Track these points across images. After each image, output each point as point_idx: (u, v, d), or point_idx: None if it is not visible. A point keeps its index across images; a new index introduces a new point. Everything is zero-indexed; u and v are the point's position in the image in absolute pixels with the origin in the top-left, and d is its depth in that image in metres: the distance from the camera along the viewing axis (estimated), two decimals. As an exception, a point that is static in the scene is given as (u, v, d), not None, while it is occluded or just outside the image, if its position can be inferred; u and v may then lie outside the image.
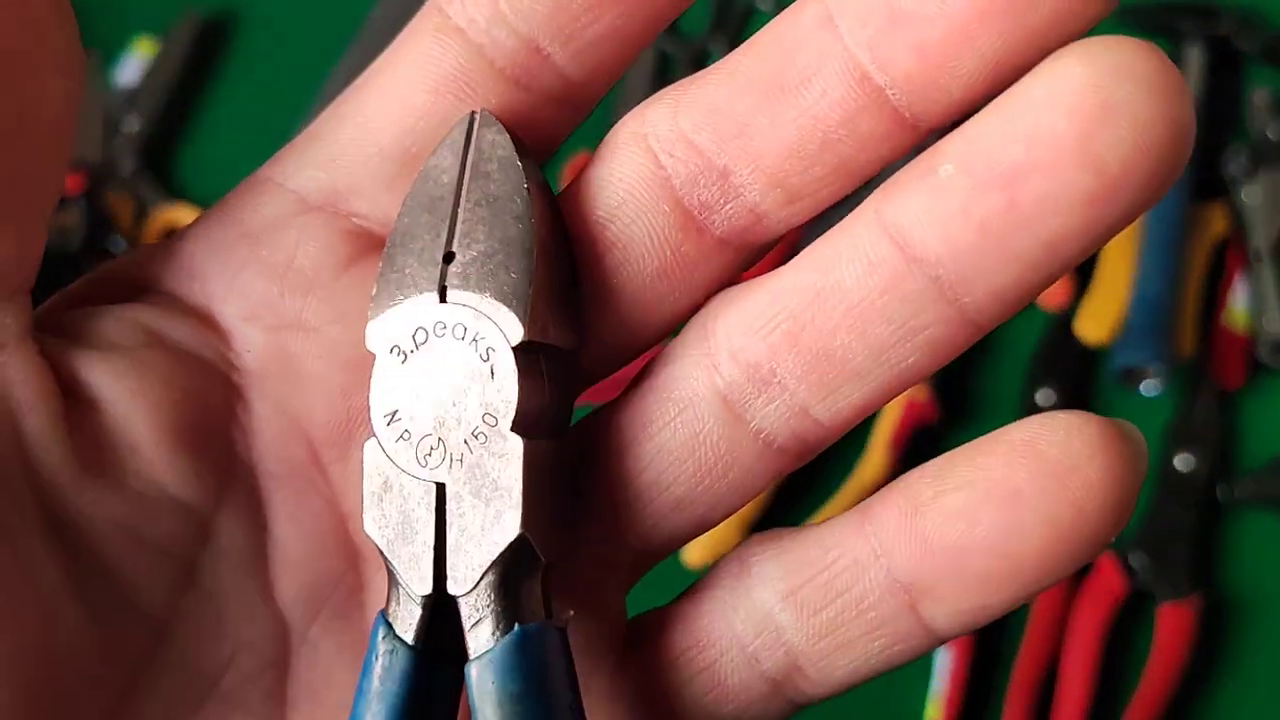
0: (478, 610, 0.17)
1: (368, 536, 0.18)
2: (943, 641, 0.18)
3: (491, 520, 0.17)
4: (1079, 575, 0.56)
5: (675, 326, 0.20)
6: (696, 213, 0.18)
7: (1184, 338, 0.60)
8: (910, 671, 0.57)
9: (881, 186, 0.17)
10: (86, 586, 0.18)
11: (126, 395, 0.19)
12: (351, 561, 0.20)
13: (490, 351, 0.17)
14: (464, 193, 0.18)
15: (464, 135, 0.18)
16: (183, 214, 0.67)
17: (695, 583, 0.20)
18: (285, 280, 0.19)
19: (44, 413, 0.18)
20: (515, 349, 0.17)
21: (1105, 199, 0.16)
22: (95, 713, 0.18)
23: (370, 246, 0.20)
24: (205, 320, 0.20)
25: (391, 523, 0.18)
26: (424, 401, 0.18)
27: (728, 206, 0.18)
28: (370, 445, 0.18)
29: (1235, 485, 0.57)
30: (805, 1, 0.17)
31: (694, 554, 0.52)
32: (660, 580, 0.22)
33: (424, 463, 0.18)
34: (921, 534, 0.18)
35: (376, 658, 0.18)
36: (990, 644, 0.55)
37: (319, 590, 0.20)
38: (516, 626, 0.17)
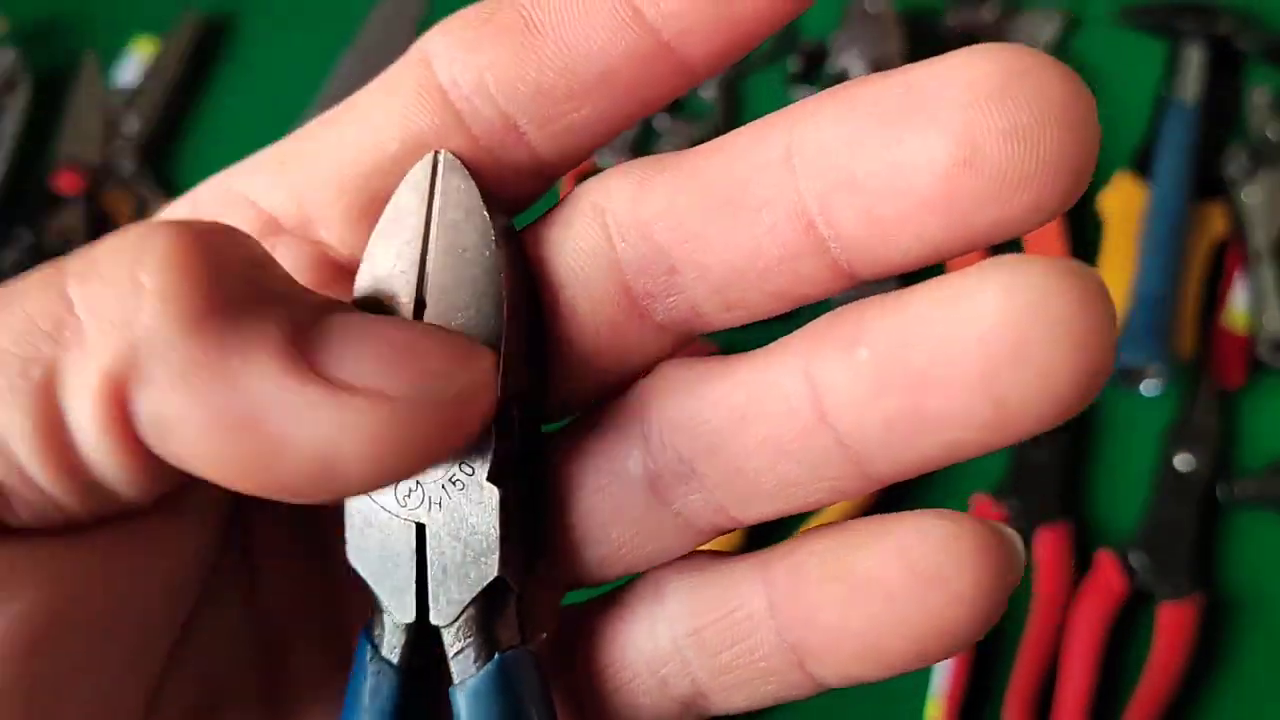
0: (459, 640, 0.19)
1: (351, 566, 0.19)
2: (833, 689, 0.20)
3: (470, 561, 0.18)
4: (1079, 575, 0.56)
5: (607, 392, 0.20)
6: (640, 299, 0.19)
7: (1184, 337, 0.60)
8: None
9: (813, 336, 0.18)
10: (129, 645, 0.18)
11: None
12: (330, 577, 0.21)
13: None
14: (431, 240, 0.19)
15: (428, 177, 0.19)
16: (183, 214, 0.67)
17: (616, 594, 0.21)
18: None
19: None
20: None
21: (1002, 427, 0.16)
22: None
23: (335, 275, 0.20)
24: None
25: (373, 556, 0.19)
26: None
27: (670, 299, 0.19)
28: None
29: (1235, 485, 0.57)
30: (774, 128, 0.18)
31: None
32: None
33: (403, 503, 0.18)
34: (803, 609, 0.19)
35: (366, 677, 0.19)
36: (991, 643, 0.55)
37: (299, 612, 0.21)
38: (496, 655, 0.19)
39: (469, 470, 0.18)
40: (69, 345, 0.16)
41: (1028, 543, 0.57)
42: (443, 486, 0.18)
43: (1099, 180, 0.65)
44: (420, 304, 0.19)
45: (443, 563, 0.18)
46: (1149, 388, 0.59)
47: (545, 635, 0.20)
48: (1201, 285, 0.62)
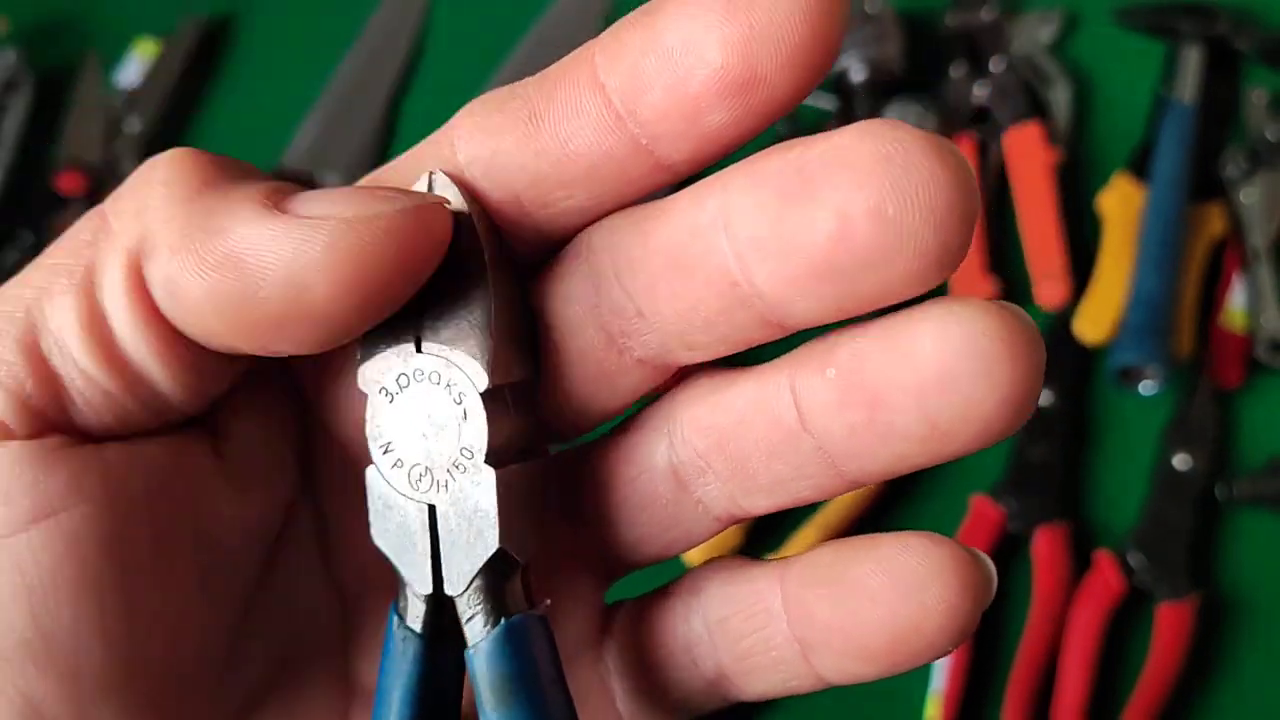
0: (470, 607, 0.21)
1: (375, 545, 0.21)
2: (833, 685, 0.22)
3: (475, 536, 0.20)
4: (1078, 574, 0.56)
5: (612, 417, 0.22)
6: (616, 337, 0.21)
7: (1182, 337, 0.60)
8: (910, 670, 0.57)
9: (799, 356, 0.20)
10: (211, 580, 0.21)
11: (247, 412, 0.22)
12: None
13: (462, 396, 0.20)
14: None
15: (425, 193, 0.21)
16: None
17: (661, 588, 0.24)
18: None
19: (207, 444, 0.22)
20: (483, 394, 0.20)
21: (939, 441, 0.19)
22: (207, 678, 0.22)
23: None
24: None
25: (393, 535, 0.21)
26: (411, 436, 0.21)
27: (642, 338, 0.21)
28: (371, 471, 0.21)
29: (1233, 485, 0.57)
30: (711, 192, 0.19)
31: (693, 554, 0.52)
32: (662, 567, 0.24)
33: (416, 487, 0.21)
34: (804, 607, 0.21)
35: (394, 644, 0.21)
36: (990, 642, 0.55)
37: (369, 570, 0.23)
38: (503, 620, 0.21)
39: (469, 455, 0.20)
40: (102, 245, 0.19)
41: (1026, 543, 0.57)
42: (448, 471, 0.20)
43: (1098, 181, 0.65)
44: (419, 304, 0.20)
45: (452, 539, 0.21)
46: (1147, 388, 0.60)
47: (549, 602, 0.22)
48: (1199, 285, 0.62)
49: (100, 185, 0.68)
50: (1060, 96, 0.67)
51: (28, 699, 0.19)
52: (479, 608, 0.21)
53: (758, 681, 0.22)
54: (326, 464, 0.23)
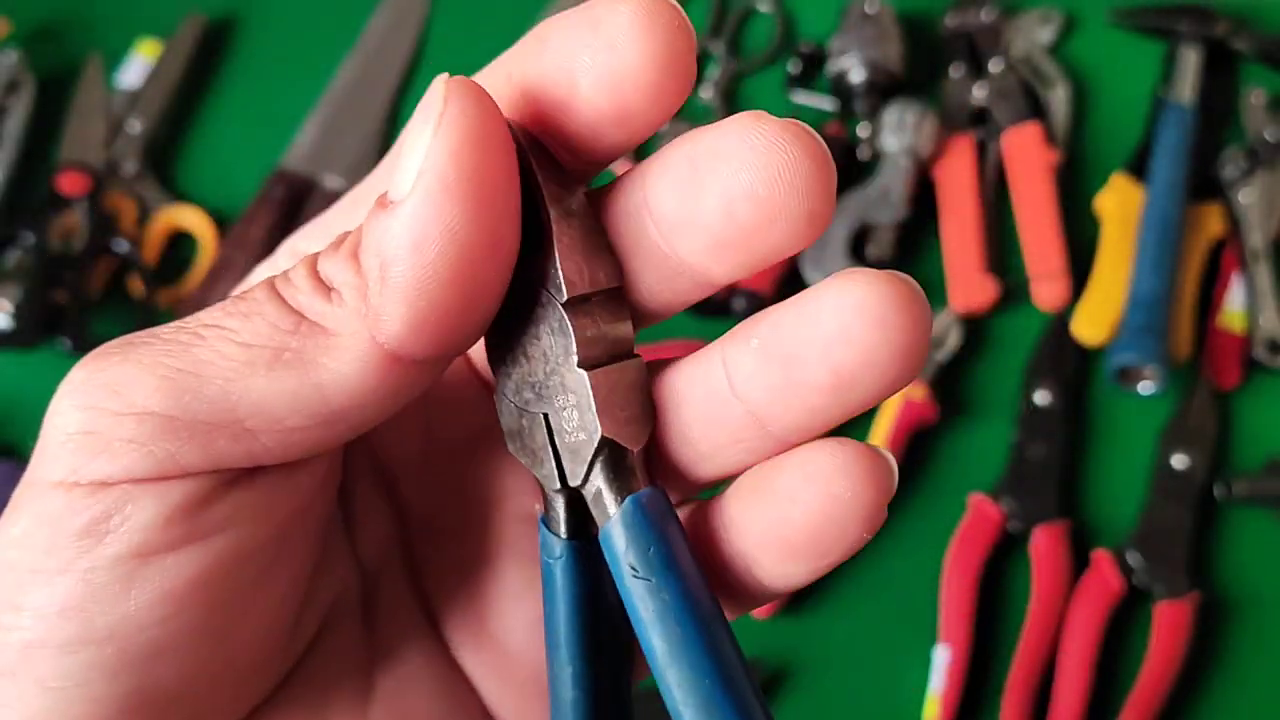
0: (595, 495, 0.23)
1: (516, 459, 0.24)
2: (775, 593, 0.24)
3: (582, 430, 0.23)
4: (1076, 574, 0.56)
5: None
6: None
7: (1180, 338, 0.60)
8: (909, 669, 0.57)
9: (730, 335, 0.23)
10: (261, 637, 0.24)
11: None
12: (407, 536, 0.27)
13: (551, 311, 0.23)
14: None
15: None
16: (185, 215, 0.67)
17: None
18: None
19: None
20: (564, 305, 0.22)
21: (845, 390, 0.22)
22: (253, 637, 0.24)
23: None
24: None
25: (526, 448, 0.24)
26: (521, 356, 0.24)
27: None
28: (498, 396, 0.24)
29: (1231, 484, 0.58)
30: (632, 182, 0.22)
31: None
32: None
33: (533, 400, 0.23)
34: (741, 523, 0.23)
35: (549, 556, 0.24)
36: (988, 641, 0.56)
37: (385, 552, 0.27)
38: (627, 498, 0.23)
39: (562, 361, 0.23)
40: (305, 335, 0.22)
41: (1025, 542, 0.57)
42: (550, 380, 0.23)
43: (1096, 182, 0.65)
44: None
45: (563, 439, 0.23)
46: (1145, 388, 0.60)
47: (659, 484, 0.24)
48: (1198, 286, 0.62)
49: (101, 186, 0.68)
50: (1059, 97, 0.68)
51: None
52: (602, 494, 0.23)
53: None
54: (353, 465, 0.26)
